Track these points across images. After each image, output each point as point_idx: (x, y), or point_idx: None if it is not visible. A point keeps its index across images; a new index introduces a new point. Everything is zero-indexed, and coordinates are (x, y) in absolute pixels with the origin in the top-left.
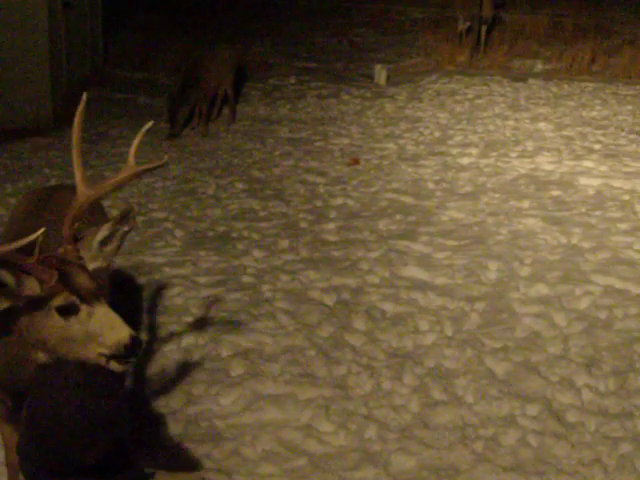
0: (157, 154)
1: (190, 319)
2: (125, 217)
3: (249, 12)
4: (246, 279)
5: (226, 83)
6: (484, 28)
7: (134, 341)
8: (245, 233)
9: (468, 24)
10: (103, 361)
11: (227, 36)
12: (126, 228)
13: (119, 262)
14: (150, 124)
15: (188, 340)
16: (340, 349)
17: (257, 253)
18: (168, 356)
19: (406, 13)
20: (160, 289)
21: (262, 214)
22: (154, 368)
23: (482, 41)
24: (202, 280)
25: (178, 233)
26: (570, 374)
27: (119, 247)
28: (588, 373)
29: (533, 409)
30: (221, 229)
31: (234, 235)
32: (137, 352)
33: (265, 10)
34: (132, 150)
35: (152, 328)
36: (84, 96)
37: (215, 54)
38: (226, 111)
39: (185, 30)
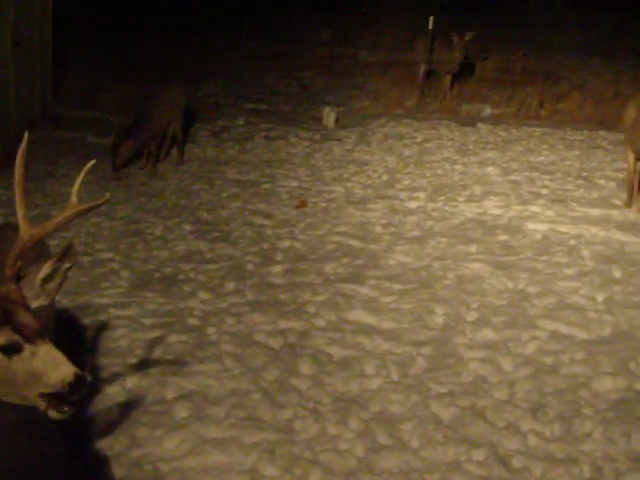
0: (103, 193)
1: (135, 361)
2: (67, 254)
3: (199, 53)
4: (192, 321)
5: (175, 123)
6: (449, 77)
7: (79, 379)
8: (191, 275)
9: (425, 69)
10: (43, 406)
11: (177, 76)
12: (68, 265)
13: (64, 302)
14: (92, 163)
15: (132, 382)
16: (285, 393)
17: (203, 295)
18: (112, 398)
19: (356, 56)
20: (105, 330)
21: (209, 256)
22: (97, 410)
23: (446, 89)
24: (147, 322)
25: (124, 274)
26: (516, 419)
27: (61, 284)
28: (534, 418)
29: (479, 454)
30: (167, 270)
31: (180, 277)
32: (82, 390)
33: (215, 51)
34: (75, 189)
35: (96, 369)
36: (26, 135)
37: (164, 94)
38: (174, 152)
39: (135, 69)
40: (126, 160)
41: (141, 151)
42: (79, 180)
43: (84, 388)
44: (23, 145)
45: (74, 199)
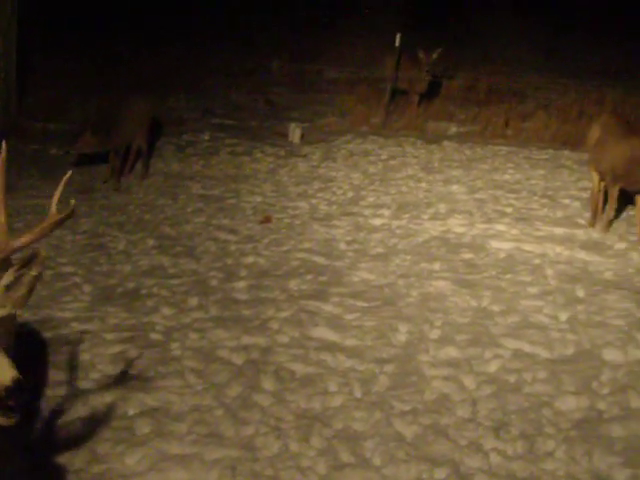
0: (67, 205)
1: (97, 376)
2: (30, 261)
3: (166, 66)
4: (154, 336)
5: (140, 136)
6: (416, 97)
7: (17, 384)
8: (154, 290)
9: (392, 86)
10: None
11: (144, 89)
12: (34, 272)
13: (26, 316)
14: (69, 174)
15: (94, 397)
16: (248, 409)
17: (166, 310)
18: (73, 413)
19: (322, 73)
20: (67, 345)
21: (172, 271)
22: (58, 425)
23: (414, 108)
24: (110, 336)
25: (87, 288)
26: (478, 437)
27: (31, 293)
28: (496, 437)
29: (441, 472)
30: (130, 285)
31: (143, 292)
32: (20, 396)
33: (182, 65)
34: (55, 199)
35: (58, 384)
36: (4, 145)
37: (130, 106)
38: (139, 166)
39: (103, 81)
40: (81, 151)
41: (99, 154)
42: (59, 190)
43: (23, 395)
44: (2, 154)
45: (54, 209)
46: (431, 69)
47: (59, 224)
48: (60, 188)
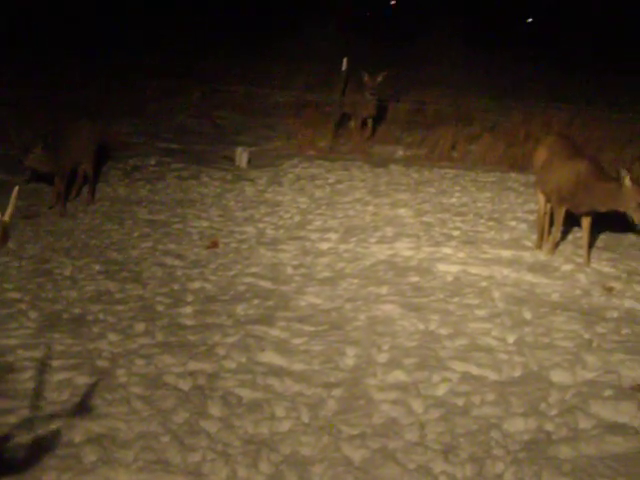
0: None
1: (42, 403)
2: None
3: (111, 90)
4: (101, 363)
5: (86, 161)
6: (370, 122)
7: None
8: (101, 316)
9: (340, 111)
10: None
11: (90, 113)
12: None
13: None
14: (18, 188)
15: (39, 425)
16: (195, 435)
17: (112, 336)
18: (18, 441)
19: (269, 96)
20: (12, 372)
21: (118, 296)
22: (3, 453)
23: (365, 132)
24: (56, 363)
25: (32, 314)
26: (427, 461)
27: None
28: (445, 460)
29: None
30: (76, 311)
31: (89, 318)
32: None
33: (127, 88)
34: (9, 210)
35: (2, 412)
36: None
37: (76, 130)
38: (85, 191)
39: (49, 105)
40: (32, 165)
41: (45, 178)
42: (12, 201)
43: None
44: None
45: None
46: (377, 92)
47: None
48: (13, 200)
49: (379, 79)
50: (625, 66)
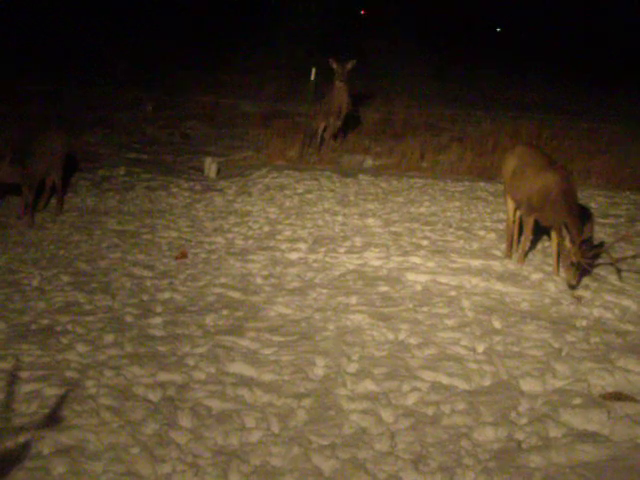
0: None
1: (11, 415)
2: None
3: (80, 101)
4: (69, 374)
5: (54, 172)
6: (339, 123)
7: None
8: (69, 327)
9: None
10: None
11: (58, 124)
12: None
13: None
14: None
15: (8, 437)
16: (165, 447)
17: (81, 348)
18: None
19: (237, 107)
20: None
21: (87, 307)
22: None
23: (333, 143)
24: (24, 375)
25: (0, 325)
26: (397, 471)
27: None
28: (415, 469)
29: None
30: (45, 322)
31: (58, 329)
32: None
33: (96, 100)
34: None
35: None
36: None
37: (43, 141)
38: (53, 201)
39: (17, 116)
40: (1, 180)
41: (13, 189)
42: None
43: None
44: None
45: None
46: (347, 79)
47: None
48: None
49: (349, 66)
50: (594, 75)
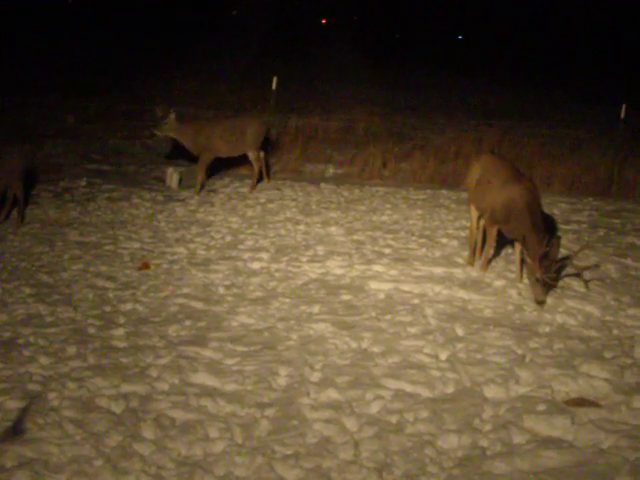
0: None
1: None
2: None
3: (41, 112)
4: (32, 387)
5: (15, 185)
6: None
7: None
8: (31, 339)
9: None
10: None
11: (18, 136)
12: None
13: None
14: None
15: None
16: (128, 458)
17: (43, 360)
18: None
19: (200, 116)
20: None
21: (49, 319)
22: None
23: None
24: None
25: None
26: (362, 479)
27: None
28: (380, 478)
29: None
30: (6, 335)
31: (20, 341)
32: None
33: (56, 111)
34: None
35: None
36: None
37: (4, 155)
38: (14, 213)
39: None
40: None
41: None
42: None
43: None
44: None
45: None
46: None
47: None
48: None
49: (159, 114)
50: (556, 81)
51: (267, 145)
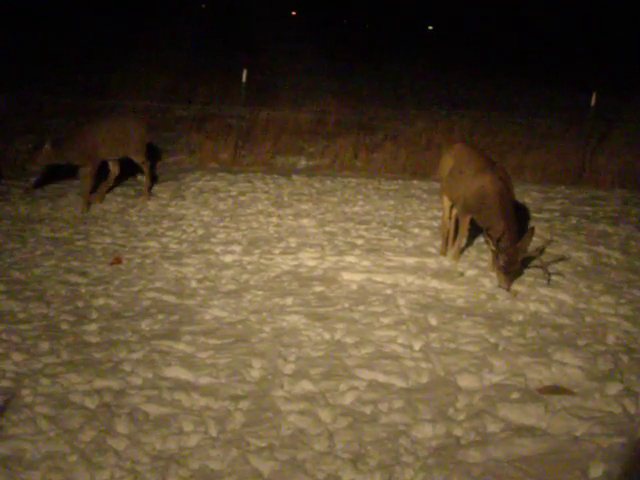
0: None
1: None
2: None
3: (11, 108)
4: (4, 383)
5: None
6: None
7: None
8: (4, 336)
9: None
10: None
11: None
12: None
13: None
14: None
15: None
16: (103, 453)
17: (16, 356)
18: None
19: (170, 110)
20: None
21: (22, 316)
22: None
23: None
24: None
25: None
26: (336, 470)
27: None
28: (354, 468)
29: None
30: None
31: None
32: None
33: (28, 106)
34: None
35: None
36: None
37: None
38: None
39: None
40: None
41: None
42: None
43: None
44: None
45: None
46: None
47: None
48: None
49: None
50: (528, 70)
51: (238, 138)
